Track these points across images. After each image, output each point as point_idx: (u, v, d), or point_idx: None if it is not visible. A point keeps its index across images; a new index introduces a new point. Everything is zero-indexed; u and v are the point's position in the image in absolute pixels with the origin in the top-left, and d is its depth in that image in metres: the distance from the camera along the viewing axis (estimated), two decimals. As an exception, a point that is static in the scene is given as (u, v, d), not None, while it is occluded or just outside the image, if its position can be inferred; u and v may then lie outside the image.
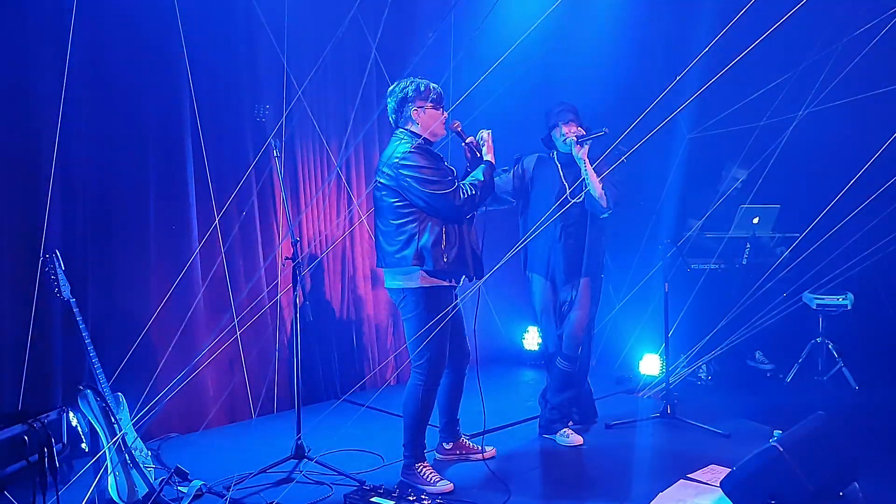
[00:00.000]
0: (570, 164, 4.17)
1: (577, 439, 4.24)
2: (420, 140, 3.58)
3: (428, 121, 3.61)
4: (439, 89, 3.65)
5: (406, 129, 3.64)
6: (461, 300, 3.52)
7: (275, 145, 4.01)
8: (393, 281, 3.64)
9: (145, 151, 4.35)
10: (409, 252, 3.52)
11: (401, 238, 3.55)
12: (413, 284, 3.56)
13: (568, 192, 4.13)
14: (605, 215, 4.14)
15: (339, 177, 5.30)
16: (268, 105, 4.31)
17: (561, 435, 4.27)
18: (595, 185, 4.02)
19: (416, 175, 3.46)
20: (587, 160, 4.04)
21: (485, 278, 3.71)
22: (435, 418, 3.87)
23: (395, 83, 3.68)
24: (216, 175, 4.58)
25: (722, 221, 5.50)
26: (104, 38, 4.14)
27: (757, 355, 5.69)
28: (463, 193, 3.52)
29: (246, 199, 4.61)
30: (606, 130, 3.93)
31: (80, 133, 4.05)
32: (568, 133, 4.13)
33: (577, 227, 4.19)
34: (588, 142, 4.05)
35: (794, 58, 4.26)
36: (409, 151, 3.50)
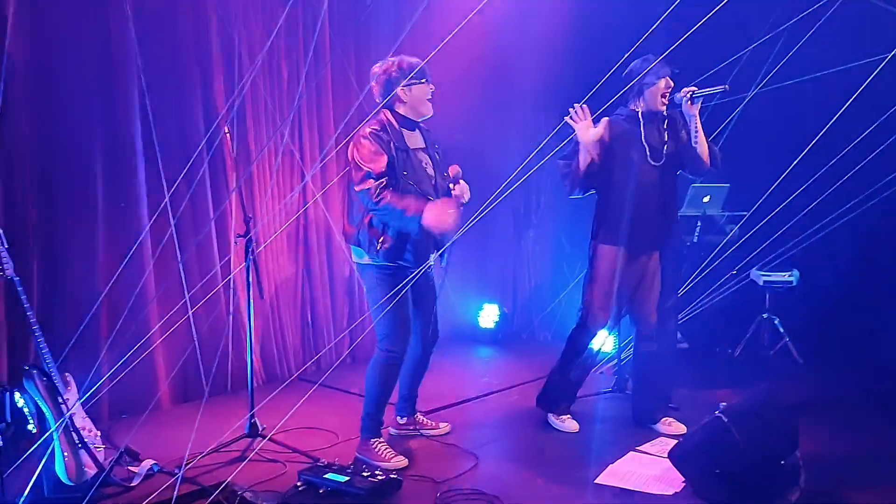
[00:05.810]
0: (651, 122, 3.91)
1: (572, 426, 4.15)
2: (387, 121, 3.55)
3: (414, 98, 3.58)
4: (420, 63, 3.57)
5: (393, 111, 3.59)
6: (414, 276, 3.50)
7: (227, 121, 3.93)
8: (356, 256, 3.67)
9: (90, 126, 4.20)
10: (356, 234, 3.58)
11: (355, 216, 3.59)
12: (368, 260, 3.58)
13: (648, 154, 3.86)
14: (699, 181, 4.20)
15: (291, 152, 5.23)
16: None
17: (559, 420, 4.18)
18: (704, 143, 3.85)
19: (354, 160, 3.47)
20: (698, 116, 3.80)
21: (437, 253, 3.69)
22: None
23: (379, 65, 3.62)
24: (165, 150, 4.47)
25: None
26: (45, 14, 4.00)
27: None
28: (378, 194, 3.39)
29: (196, 175, 4.52)
30: (727, 87, 3.73)
31: (22, 106, 3.90)
32: (666, 90, 3.83)
33: (655, 192, 3.92)
34: (701, 98, 3.77)
35: (744, 38, 4.32)
36: (362, 135, 3.48)
